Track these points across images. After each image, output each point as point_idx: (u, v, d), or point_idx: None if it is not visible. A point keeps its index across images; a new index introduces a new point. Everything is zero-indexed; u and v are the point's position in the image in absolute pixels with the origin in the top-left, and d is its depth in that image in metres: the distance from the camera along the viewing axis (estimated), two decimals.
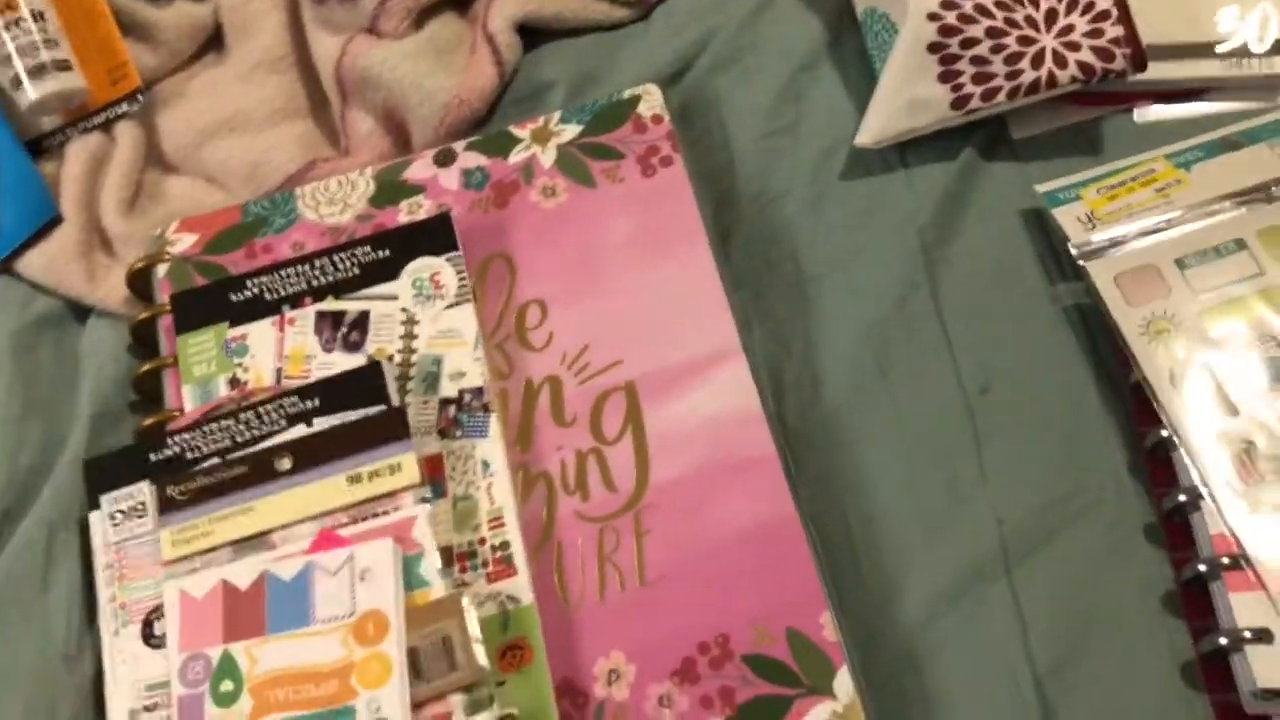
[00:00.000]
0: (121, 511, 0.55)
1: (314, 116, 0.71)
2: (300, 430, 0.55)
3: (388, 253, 0.61)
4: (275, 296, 0.61)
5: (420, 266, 0.60)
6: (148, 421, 0.59)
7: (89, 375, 0.64)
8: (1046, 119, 0.64)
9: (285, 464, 0.54)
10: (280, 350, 0.59)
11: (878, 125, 0.62)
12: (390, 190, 0.64)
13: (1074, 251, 0.58)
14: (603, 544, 0.54)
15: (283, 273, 0.61)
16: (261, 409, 0.56)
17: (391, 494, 0.53)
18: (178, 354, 0.60)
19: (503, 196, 0.63)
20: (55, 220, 0.67)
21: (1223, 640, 0.50)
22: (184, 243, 0.64)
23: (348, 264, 0.61)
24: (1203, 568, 0.52)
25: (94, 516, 0.56)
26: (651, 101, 0.64)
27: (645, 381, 0.57)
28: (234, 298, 0.61)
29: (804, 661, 0.50)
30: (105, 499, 0.56)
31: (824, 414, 0.58)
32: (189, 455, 0.55)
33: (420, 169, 0.64)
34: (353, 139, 0.68)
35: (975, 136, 0.64)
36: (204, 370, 0.59)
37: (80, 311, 0.67)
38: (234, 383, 0.59)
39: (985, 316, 0.60)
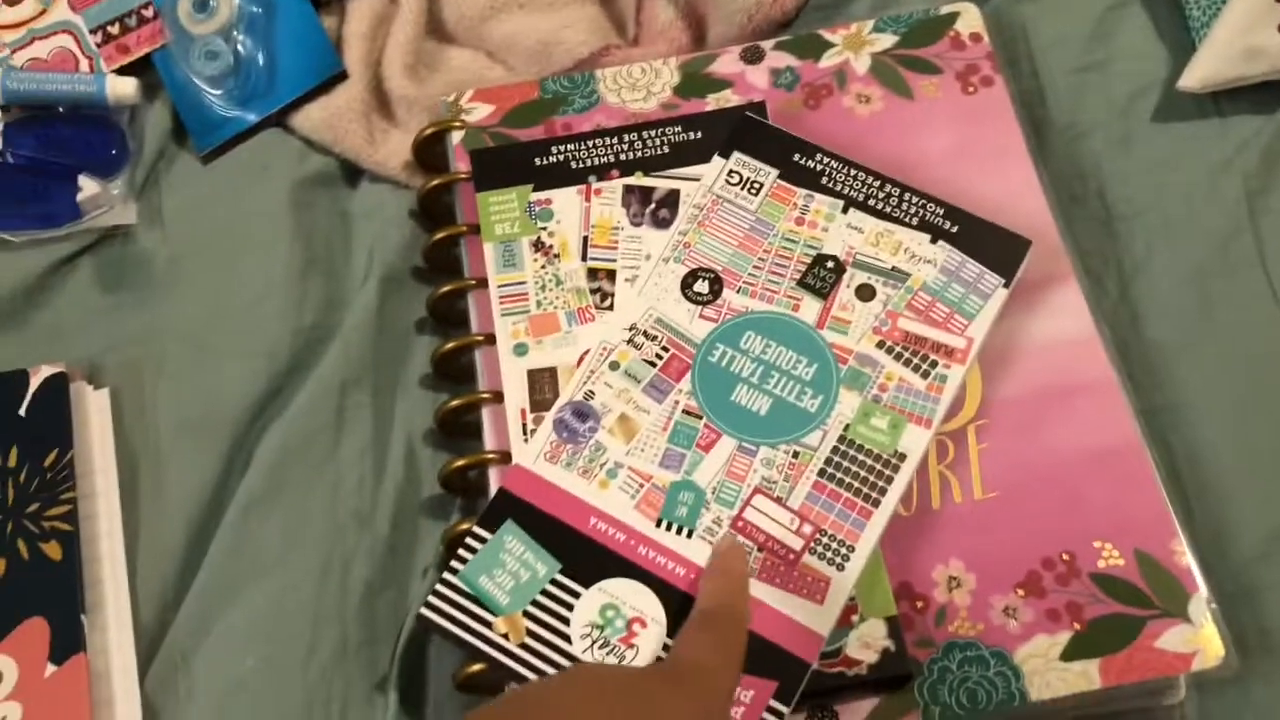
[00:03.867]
0: (739, 175, 0.57)
1: (601, 1, 0.68)
2: None
3: (699, 135, 0.59)
4: (581, 166, 0.59)
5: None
6: (445, 289, 0.58)
7: (368, 239, 0.62)
8: None
9: None
10: (586, 219, 0.58)
11: (1207, 69, 0.61)
12: (695, 83, 0.62)
13: None
14: (936, 453, 0.53)
15: (589, 143, 0.59)
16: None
17: None
18: (479, 210, 0.58)
19: (815, 99, 0.61)
20: (338, 77, 0.65)
21: None
22: (480, 112, 0.62)
23: (658, 142, 0.59)
24: None
25: (714, 161, 0.58)
26: (970, 20, 0.62)
27: None
28: (538, 162, 0.59)
29: (1155, 584, 0.49)
30: (738, 155, 0.58)
31: (1144, 350, 0.57)
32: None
33: (727, 64, 0.63)
34: (647, 28, 0.66)
35: None
36: (506, 230, 0.58)
37: (351, 173, 0.65)
38: (538, 245, 0.57)
39: None
